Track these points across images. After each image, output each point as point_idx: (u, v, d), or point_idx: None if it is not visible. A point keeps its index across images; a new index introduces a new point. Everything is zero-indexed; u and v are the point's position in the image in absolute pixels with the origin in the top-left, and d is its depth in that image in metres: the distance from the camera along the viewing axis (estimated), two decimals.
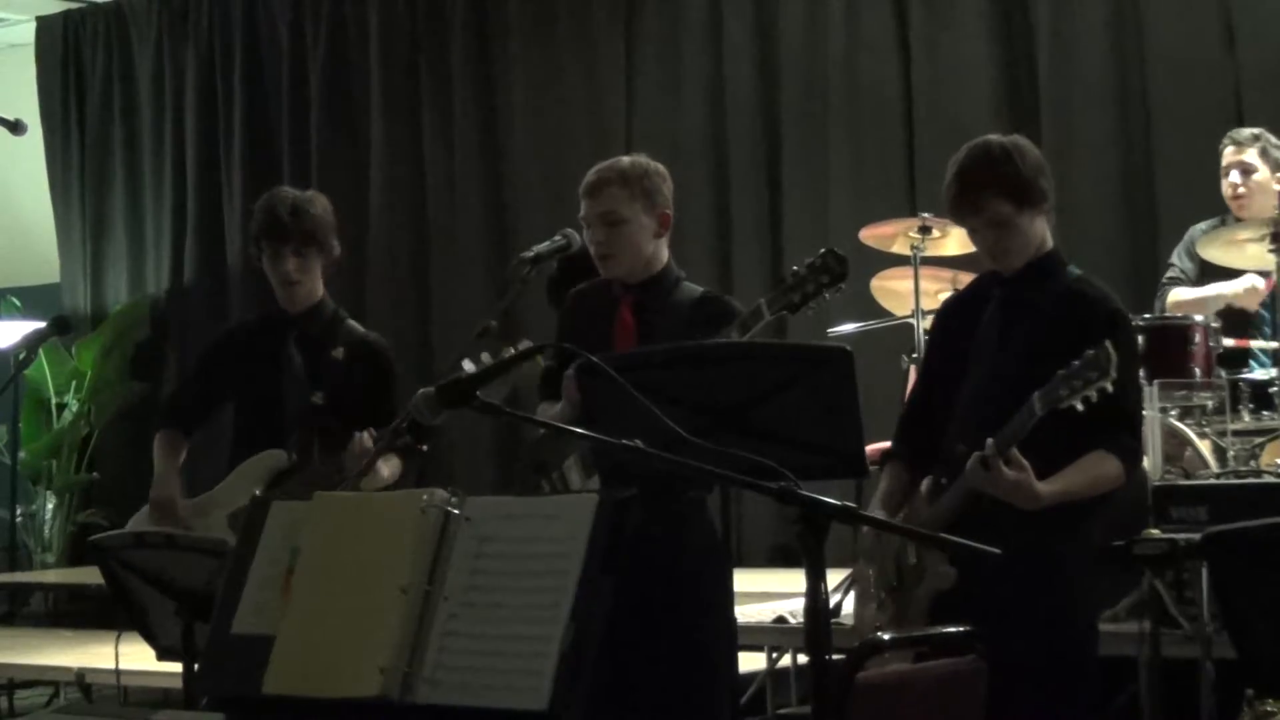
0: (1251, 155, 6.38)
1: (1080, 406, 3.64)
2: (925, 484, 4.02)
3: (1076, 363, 3.65)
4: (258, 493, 4.75)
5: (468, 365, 4.47)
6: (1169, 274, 6.56)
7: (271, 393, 4.88)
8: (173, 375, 11.26)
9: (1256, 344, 6.23)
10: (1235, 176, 6.38)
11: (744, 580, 4.49)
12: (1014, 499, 3.72)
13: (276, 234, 4.87)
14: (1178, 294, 6.40)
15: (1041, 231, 4.03)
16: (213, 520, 4.83)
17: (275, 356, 4.91)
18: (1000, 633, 3.40)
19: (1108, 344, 3.62)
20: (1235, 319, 6.24)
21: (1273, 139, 6.43)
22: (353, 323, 5.03)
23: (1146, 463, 5.51)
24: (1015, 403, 3.73)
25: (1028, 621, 3.80)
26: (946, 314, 4.37)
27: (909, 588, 3.99)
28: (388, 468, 4.63)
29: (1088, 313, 3.92)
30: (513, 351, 4.16)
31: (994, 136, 4.07)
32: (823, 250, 4.10)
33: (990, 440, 3.71)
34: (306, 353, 4.90)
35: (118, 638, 4.50)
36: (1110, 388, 3.62)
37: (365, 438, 4.62)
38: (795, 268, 4.10)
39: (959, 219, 4.07)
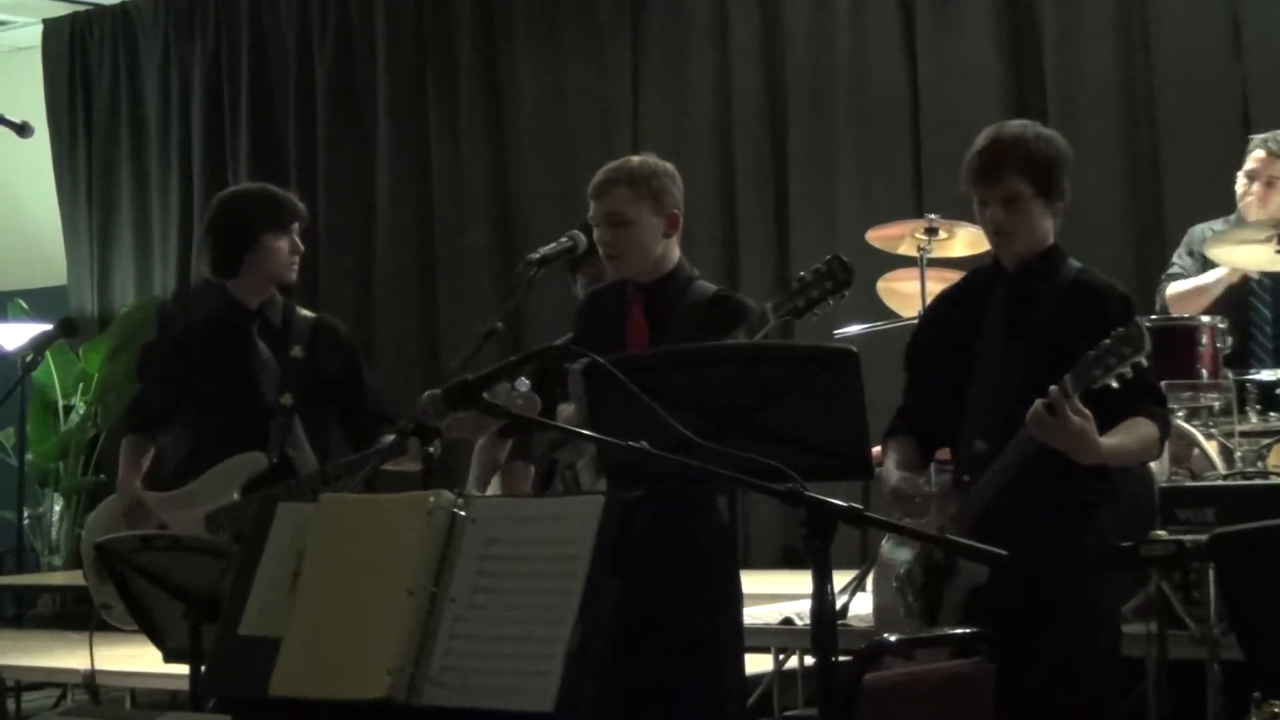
0: (1278, 169, 6.33)
1: (1115, 384, 3.65)
2: (943, 482, 4.02)
3: (1107, 341, 3.66)
4: (236, 496, 4.78)
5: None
6: (1169, 270, 6.54)
7: (247, 391, 4.89)
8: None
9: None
10: (1258, 187, 6.33)
11: (751, 582, 4.49)
12: (1077, 448, 3.70)
13: (286, 216, 4.89)
14: (1176, 286, 6.38)
15: (1048, 228, 4.05)
16: (189, 517, 4.83)
17: (245, 353, 4.91)
18: (1026, 630, 3.40)
19: (1137, 320, 3.65)
20: (1234, 302, 6.23)
21: None
22: (303, 311, 5.03)
23: (1153, 464, 5.50)
24: (1030, 396, 3.73)
25: (1050, 616, 3.80)
26: (942, 307, 4.37)
27: (940, 587, 3.98)
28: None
29: (1098, 300, 3.94)
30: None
31: (1032, 122, 4.09)
32: (829, 256, 4.13)
33: (1053, 388, 3.67)
34: (272, 345, 4.91)
35: (90, 636, 4.50)
36: (1145, 361, 3.64)
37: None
38: (801, 273, 4.12)
39: (975, 187, 4.02)
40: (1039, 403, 3.71)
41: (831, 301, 4.11)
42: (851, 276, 4.10)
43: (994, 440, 3.89)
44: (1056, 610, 3.83)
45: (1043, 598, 3.78)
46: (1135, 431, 3.83)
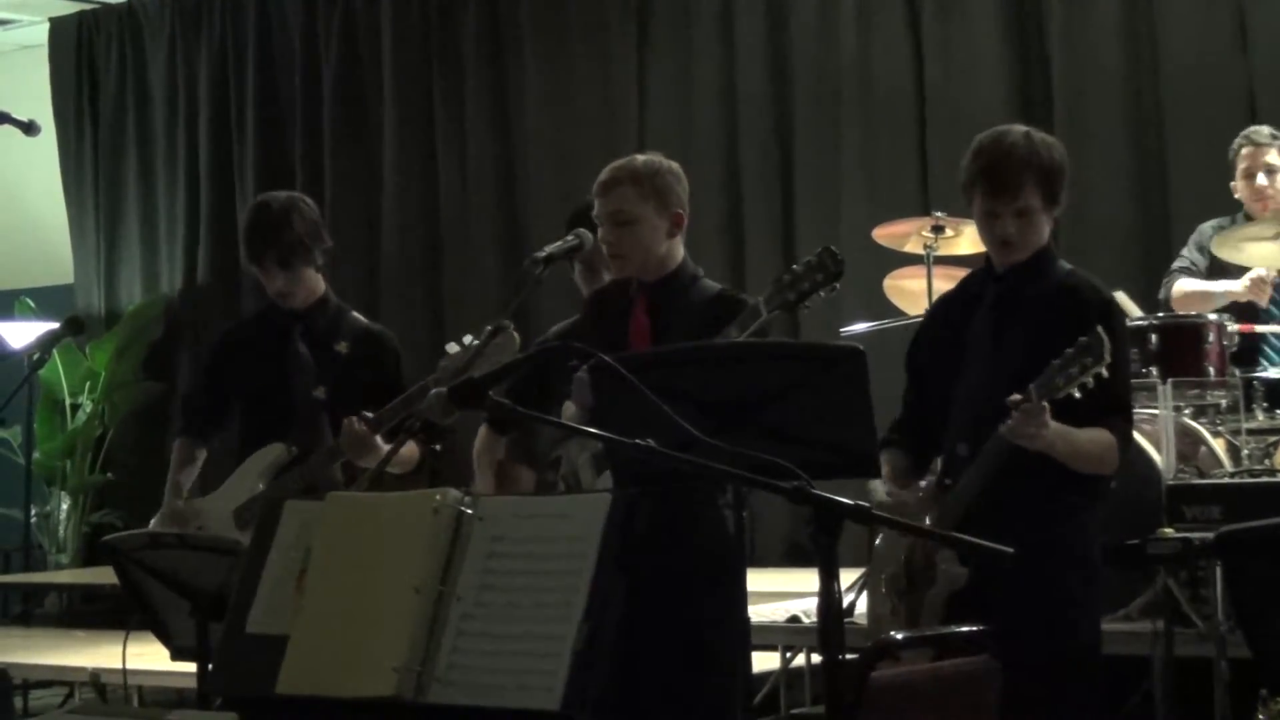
0: (1274, 156, 6.32)
1: (1078, 394, 3.65)
2: (927, 485, 4.00)
3: (1070, 350, 3.66)
4: (261, 486, 4.79)
5: (451, 348, 4.51)
6: (1177, 264, 6.51)
7: (280, 389, 4.91)
8: (186, 375, 11.28)
9: (1268, 328, 6.20)
10: (1262, 179, 6.30)
11: (758, 580, 4.50)
12: (1051, 444, 3.73)
13: (259, 254, 4.89)
14: (1184, 284, 6.36)
15: (1046, 234, 4.03)
16: (222, 517, 4.85)
17: (282, 352, 4.93)
18: (1004, 631, 3.40)
19: (1100, 329, 3.64)
20: (1243, 311, 6.21)
21: None
22: (356, 315, 5.05)
23: (1160, 461, 5.50)
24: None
25: (1029, 620, 3.79)
26: (938, 313, 4.37)
27: (921, 590, 3.98)
28: (407, 449, 4.68)
29: (1080, 305, 3.92)
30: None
31: (1031, 129, 4.05)
32: (819, 249, 4.10)
33: (1012, 397, 3.69)
34: (313, 347, 4.93)
35: (125, 636, 4.50)
36: (1106, 372, 3.63)
37: (355, 422, 4.64)
38: (794, 266, 4.11)
39: (988, 198, 3.97)
40: (1005, 424, 3.71)
41: (823, 294, 4.08)
42: (842, 268, 4.07)
43: (975, 443, 3.88)
44: (1034, 611, 3.82)
45: (1021, 599, 3.76)
46: (1093, 436, 3.83)
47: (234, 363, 5.08)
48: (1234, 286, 6.22)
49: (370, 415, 4.63)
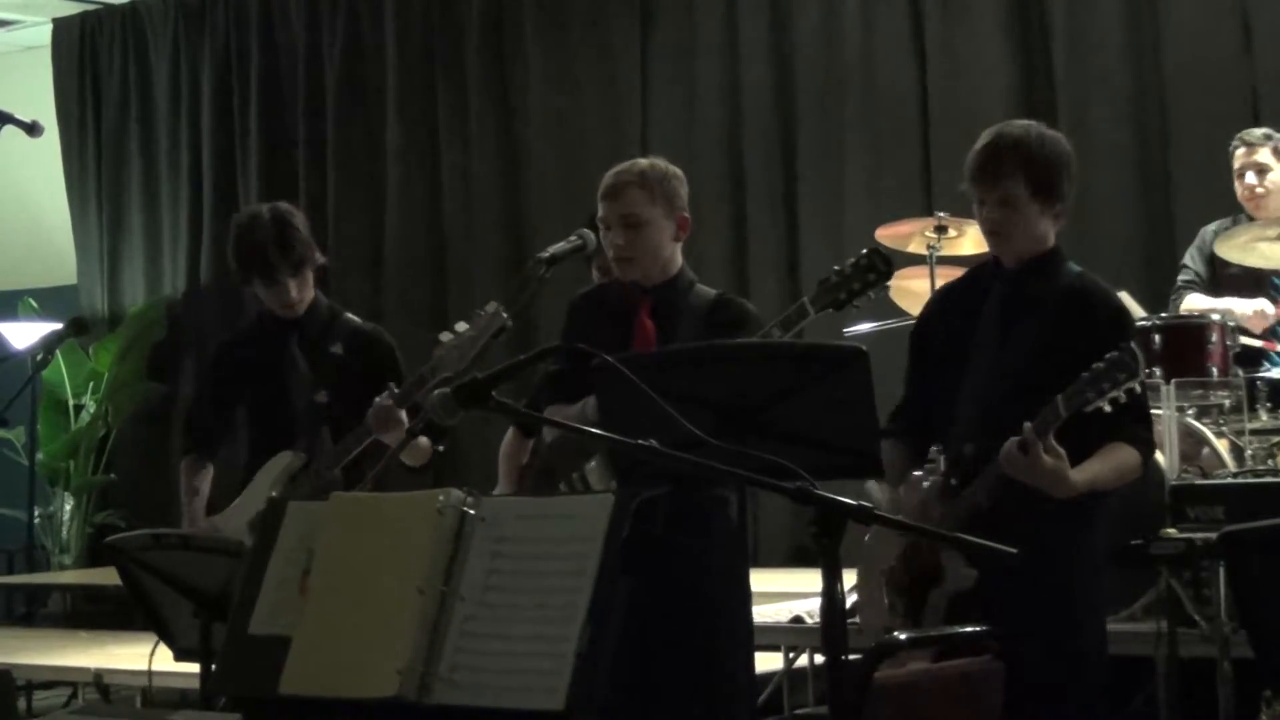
0: (1265, 155, 6.35)
1: (1108, 408, 3.64)
2: (932, 484, 3.99)
3: (1101, 365, 3.65)
4: (274, 494, 4.77)
5: (444, 336, 4.50)
6: (1183, 277, 6.53)
7: (280, 397, 4.91)
8: (188, 378, 11.28)
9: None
10: (1251, 178, 6.35)
11: (761, 580, 4.49)
12: (1049, 485, 3.71)
13: (273, 268, 4.84)
14: (1191, 302, 6.38)
15: (1046, 230, 4.02)
16: (236, 532, 4.84)
17: (279, 361, 4.92)
18: (1007, 632, 3.40)
19: (1133, 345, 3.64)
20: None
21: None
22: (350, 316, 5.03)
23: (1164, 462, 5.50)
24: (1019, 400, 3.73)
25: (1033, 621, 3.79)
26: (942, 303, 4.35)
27: (924, 587, 3.97)
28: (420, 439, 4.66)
29: (1092, 310, 3.93)
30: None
31: (1036, 123, 4.06)
32: (865, 250, 4.13)
33: (1028, 424, 3.68)
34: (309, 353, 4.92)
35: (155, 646, 4.44)
36: (1139, 388, 3.63)
37: (385, 397, 4.60)
38: (837, 266, 4.12)
39: (974, 185, 4.00)
40: (1011, 441, 3.70)
41: (872, 294, 4.12)
42: (892, 268, 4.12)
43: (981, 443, 3.88)
44: (1039, 611, 3.82)
45: (1025, 598, 3.75)
46: (1113, 459, 3.82)
47: (233, 376, 5.07)
48: (1236, 308, 6.20)
49: (395, 390, 4.60)
